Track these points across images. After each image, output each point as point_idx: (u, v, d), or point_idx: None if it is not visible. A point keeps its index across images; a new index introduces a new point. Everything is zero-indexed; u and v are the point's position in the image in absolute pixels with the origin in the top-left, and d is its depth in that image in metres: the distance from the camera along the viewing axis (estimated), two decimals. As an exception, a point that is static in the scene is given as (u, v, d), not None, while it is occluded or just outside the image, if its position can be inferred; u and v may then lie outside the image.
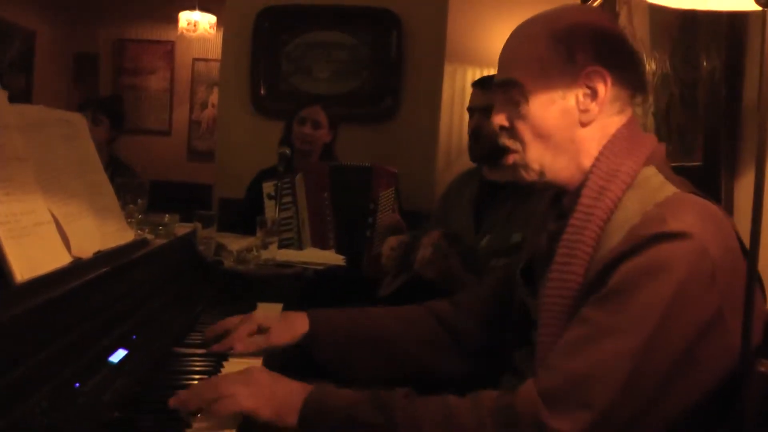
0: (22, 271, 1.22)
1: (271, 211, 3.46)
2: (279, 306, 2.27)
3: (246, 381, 1.32)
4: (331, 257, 3.33)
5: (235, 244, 2.99)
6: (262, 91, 4.52)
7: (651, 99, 2.66)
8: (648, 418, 1.21)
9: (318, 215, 3.52)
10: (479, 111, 2.85)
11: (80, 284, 1.36)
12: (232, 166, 4.50)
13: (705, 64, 2.21)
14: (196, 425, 1.24)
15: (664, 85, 2.57)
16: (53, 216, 1.40)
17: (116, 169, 3.93)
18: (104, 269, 1.47)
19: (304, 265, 3.04)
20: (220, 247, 2.88)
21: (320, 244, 3.47)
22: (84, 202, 1.57)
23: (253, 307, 2.19)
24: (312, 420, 1.29)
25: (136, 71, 7.11)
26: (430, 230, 3.01)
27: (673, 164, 2.30)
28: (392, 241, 3.07)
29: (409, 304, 2.54)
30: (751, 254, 1.18)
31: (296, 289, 2.56)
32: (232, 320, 1.74)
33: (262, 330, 1.69)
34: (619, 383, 1.18)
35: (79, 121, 1.73)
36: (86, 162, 1.69)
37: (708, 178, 2.11)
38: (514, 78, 1.42)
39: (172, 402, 1.28)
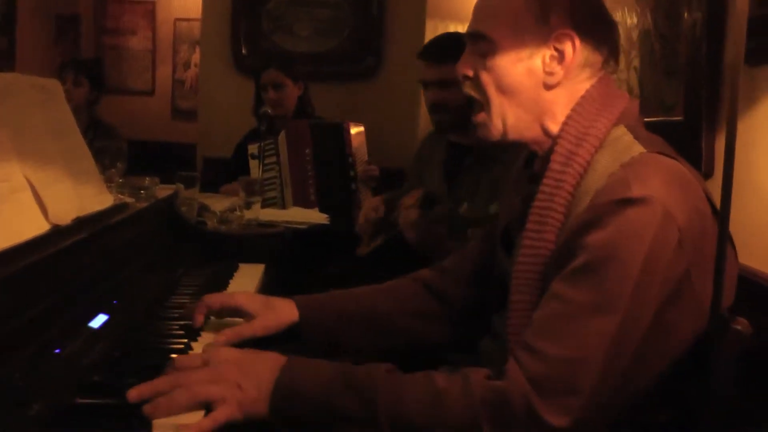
0: (-2, 239, 1.22)
1: (255, 171, 3.49)
2: (260, 267, 2.29)
3: (212, 377, 1.23)
4: (315, 216, 3.36)
5: (219, 204, 2.99)
6: (243, 51, 4.49)
7: (633, 54, 2.65)
8: (627, 388, 1.22)
9: (300, 172, 3.57)
10: (434, 85, 2.83)
11: (57, 251, 1.36)
12: (215, 126, 4.50)
13: (686, 16, 2.20)
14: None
15: (645, 40, 2.57)
16: (29, 183, 1.40)
17: (98, 130, 3.93)
18: (82, 235, 1.47)
19: (288, 225, 3.05)
20: (203, 208, 2.88)
21: (301, 201, 3.51)
22: (61, 168, 1.56)
23: (235, 268, 2.22)
24: (283, 411, 1.23)
25: (117, 31, 7.03)
26: (409, 190, 3.04)
27: (654, 119, 2.34)
28: (369, 210, 3.09)
29: (388, 264, 2.57)
30: (722, 214, 1.19)
31: (278, 248, 2.57)
32: (212, 297, 1.63)
33: (244, 315, 1.60)
34: (606, 362, 1.18)
35: (54, 86, 1.72)
36: (63, 127, 1.68)
37: (689, 134, 2.11)
38: (484, 31, 1.42)
39: (132, 397, 1.17)
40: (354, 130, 3.66)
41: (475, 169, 2.79)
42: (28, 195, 1.39)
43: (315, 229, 3.17)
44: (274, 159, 3.58)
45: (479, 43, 1.43)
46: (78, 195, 1.60)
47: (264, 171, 3.53)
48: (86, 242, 1.48)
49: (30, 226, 1.36)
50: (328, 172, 3.57)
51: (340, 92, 4.34)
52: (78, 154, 1.71)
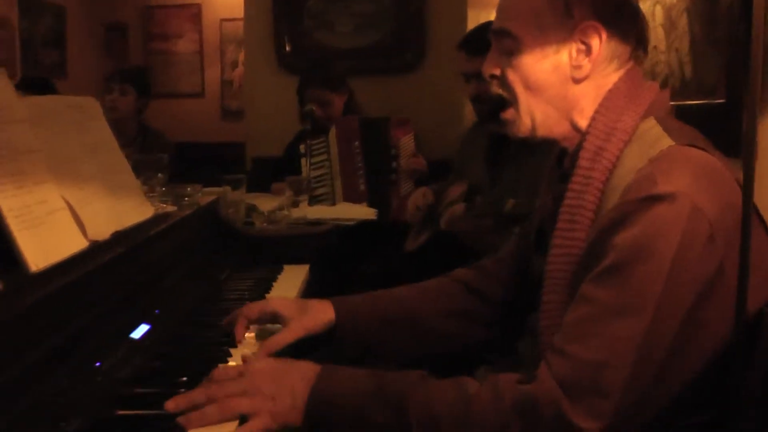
0: (37, 260, 1.27)
1: (303, 169, 3.56)
2: (305, 268, 2.32)
3: (246, 389, 1.27)
4: (362, 211, 3.39)
5: (267, 204, 3.03)
6: (287, 48, 4.54)
7: (673, 35, 2.62)
8: (661, 388, 1.20)
9: (349, 165, 3.68)
10: (475, 76, 2.85)
11: (96, 267, 1.40)
12: (262, 125, 4.56)
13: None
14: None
15: (685, 20, 2.53)
16: (67, 202, 1.45)
17: (146, 136, 4.02)
18: (120, 249, 1.51)
19: (335, 222, 3.08)
20: (251, 209, 2.93)
21: (351, 192, 3.63)
22: (99, 185, 1.61)
23: (279, 270, 2.25)
24: (318, 421, 1.26)
25: (164, 36, 7.17)
26: (454, 183, 3.05)
27: (695, 102, 2.30)
28: (418, 196, 3.12)
29: (434, 260, 2.58)
30: (745, 202, 1.16)
31: (323, 248, 2.59)
32: (249, 309, 1.62)
33: (281, 320, 1.61)
34: (637, 363, 1.16)
35: (91, 105, 1.77)
36: (100, 144, 1.73)
37: (731, 117, 2.08)
38: (508, 28, 1.41)
39: (169, 407, 1.22)
40: (401, 124, 3.73)
41: (517, 160, 2.79)
42: (66, 215, 1.43)
43: (362, 225, 3.21)
44: (324, 156, 3.68)
45: (504, 40, 1.42)
46: (116, 210, 1.64)
47: (314, 168, 3.63)
48: (124, 256, 1.52)
49: (69, 244, 1.40)
50: (373, 164, 3.66)
51: (383, 86, 4.35)
52: (116, 170, 1.75)
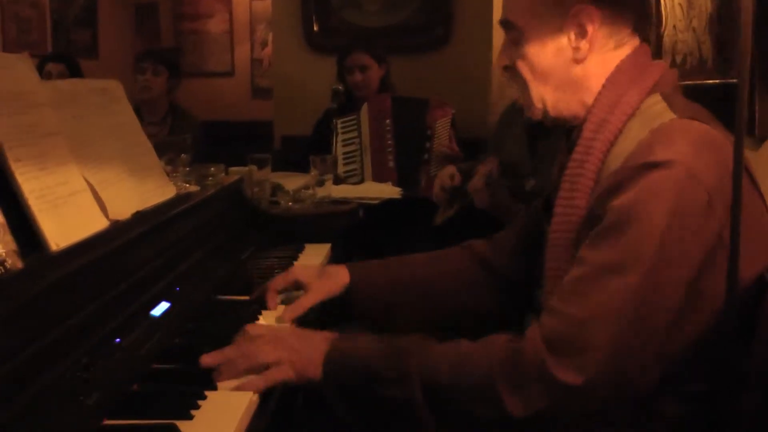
0: (57, 240, 1.32)
1: (332, 147, 3.62)
2: (326, 246, 2.36)
3: (270, 340, 1.38)
4: (387, 190, 3.42)
5: (292, 183, 3.06)
6: (315, 28, 4.56)
7: (692, 14, 2.60)
8: (657, 353, 1.22)
9: (379, 142, 3.73)
10: None
11: (116, 246, 1.45)
12: (291, 104, 4.60)
13: (739, -29, 2.14)
14: (221, 384, 1.31)
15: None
16: (89, 183, 1.50)
17: (175, 115, 4.07)
18: (140, 229, 1.56)
19: (360, 201, 3.11)
20: (277, 188, 2.96)
21: (380, 170, 3.68)
22: (121, 166, 1.65)
23: (301, 249, 2.29)
24: (334, 375, 1.34)
25: (195, 16, 7.21)
26: (487, 159, 3.08)
27: (710, 82, 2.30)
28: (445, 176, 3.15)
29: (461, 234, 2.61)
30: (735, 178, 1.16)
31: (346, 227, 2.63)
32: (276, 281, 1.74)
33: (301, 286, 1.71)
34: (624, 323, 1.19)
35: (115, 87, 1.81)
36: (123, 127, 1.77)
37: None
38: (510, 19, 1.46)
39: (204, 362, 1.34)
40: (440, 106, 3.77)
41: (556, 134, 2.80)
42: (87, 195, 1.48)
43: (387, 204, 3.24)
44: (355, 134, 3.73)
45: (510, 31, 1.48)
46: (138, 191, 1.69)
47: (345, 145, 3.69)
48: (144, 235, 1.57)
49: (90, 224, 1.45)
50: (404, 143, 3.71)
51: (411, 64, 4.36)
52: (139, 151, 1.80)
